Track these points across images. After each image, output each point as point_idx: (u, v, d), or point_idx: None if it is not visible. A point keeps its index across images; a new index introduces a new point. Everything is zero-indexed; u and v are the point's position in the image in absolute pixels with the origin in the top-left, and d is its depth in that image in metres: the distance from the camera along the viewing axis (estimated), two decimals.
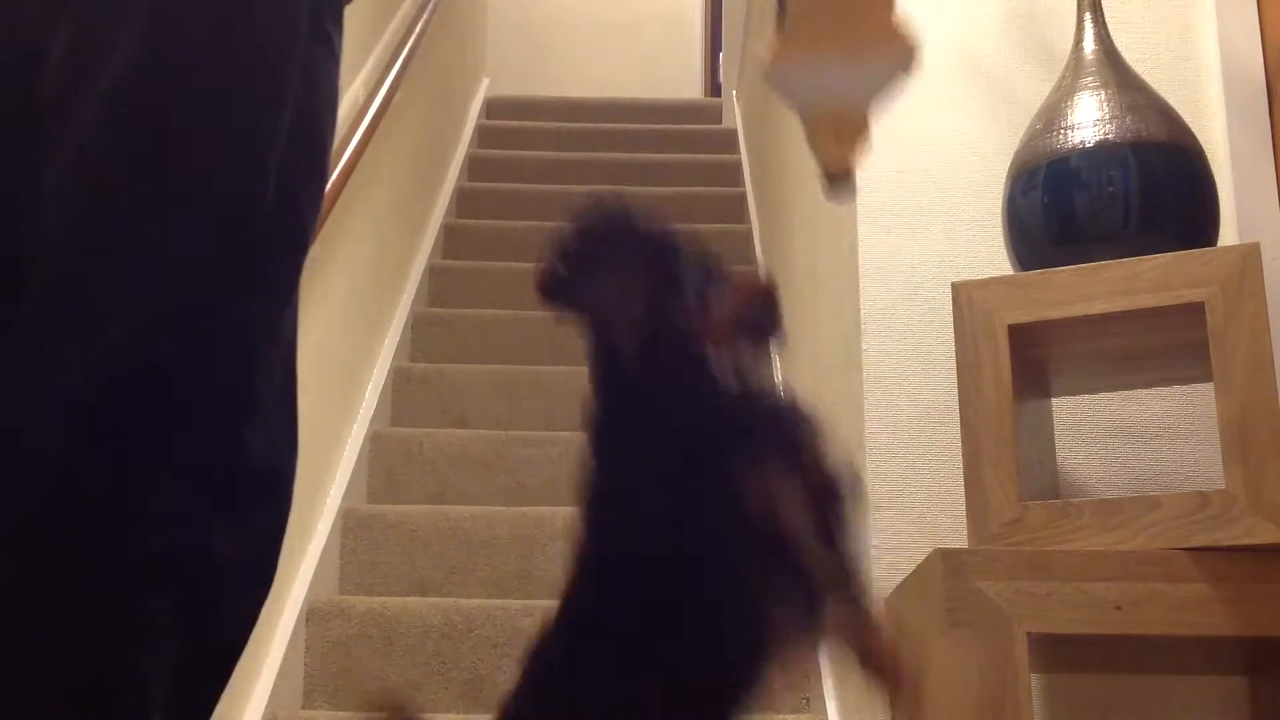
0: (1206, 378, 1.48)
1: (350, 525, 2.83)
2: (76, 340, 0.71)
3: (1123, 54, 1.66)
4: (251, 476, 0.78)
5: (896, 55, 0.99)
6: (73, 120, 0.73)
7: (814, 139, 1.01)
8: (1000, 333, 1.53)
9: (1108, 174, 1.55)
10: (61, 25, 0.75)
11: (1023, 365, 1.58)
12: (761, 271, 3.19)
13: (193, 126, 0.75)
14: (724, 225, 4.42)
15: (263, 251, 0.78)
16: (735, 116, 5.30)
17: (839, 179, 0.99)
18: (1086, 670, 1.71)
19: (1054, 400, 1.79)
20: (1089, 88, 1.61)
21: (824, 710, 2.22)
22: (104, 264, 0.72)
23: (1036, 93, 1.86)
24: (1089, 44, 1.65)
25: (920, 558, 1.62)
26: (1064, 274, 1.53)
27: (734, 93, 5.52)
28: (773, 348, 0.95)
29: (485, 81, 5.63)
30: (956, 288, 1.57)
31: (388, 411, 3.34)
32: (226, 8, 0.78)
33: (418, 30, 3.59)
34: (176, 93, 0.75)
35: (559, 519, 2.85)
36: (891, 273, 1.90)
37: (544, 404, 3.41)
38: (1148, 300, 1.48)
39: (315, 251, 2.61)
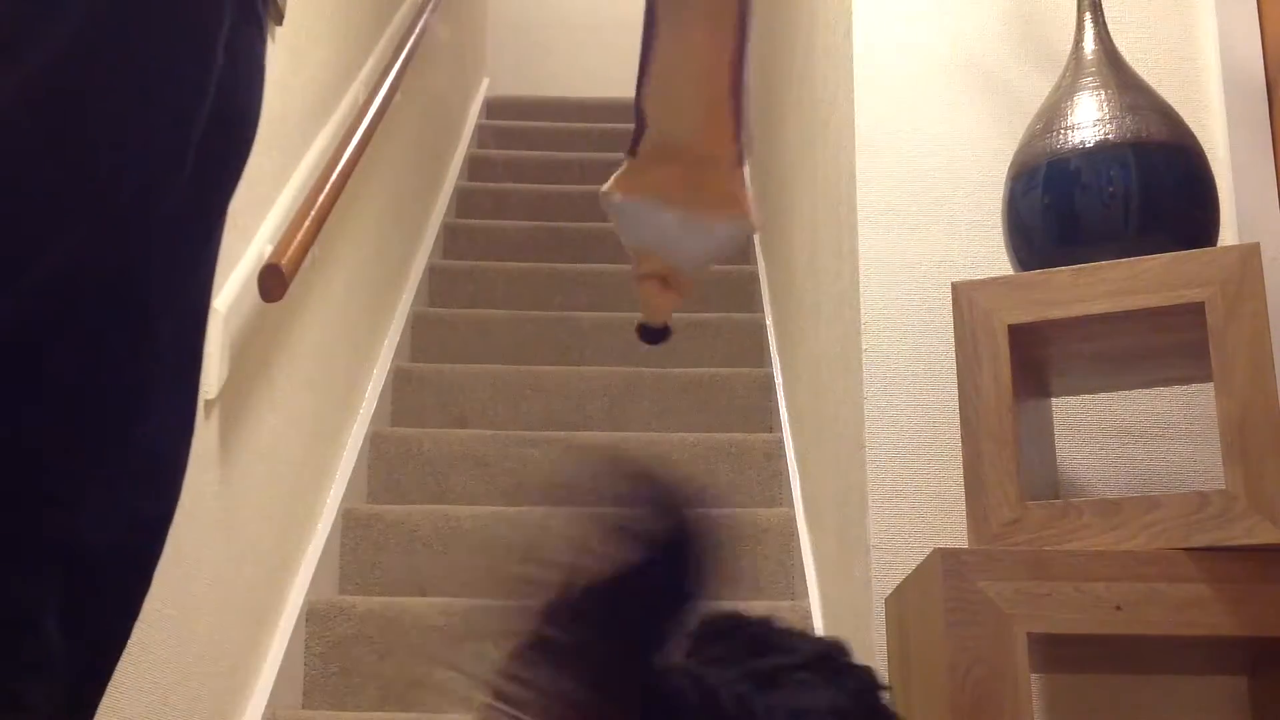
0: (1206, 378, 1.48)
1: (350, 525, 2.83)
2: None
3: (1123, 54, 1.66)
4: (134, 461, 0.76)
5: (736, 223, 0.95)
6: None
7: (640, 282, 0.99)
8: (1000, 333, 1.53)
9: (1108, 174, 1.55)
10: None
11: (1023, 365, 1.58)
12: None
13: (110, 108, 0.74)
14: None
15: (171, 229, 0.77)
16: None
17: (655, 332, 0.99)
18: (1086, 670, 1.71)
19: (1054, 400, 1.79)
20: (1089, 88, 1.61)
21: None
22: None
23: (1036, 93, 1.86)
24: (1089, 44, 1.65)
25: (920, 558, 1.62)
26: (1064, 274, 1.53)
27: None
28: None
29: (485, 81, 5.63)
30: (956, 288, 1.57)
31: (388, 411, 3.34)
32: None
33: (418, 30, 3.60)
34: (99, 71, 0.74)
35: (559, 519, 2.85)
36: (891, 273, 1.90)
37: (544, 404, 3.41)
38: (1148, 300, 1.48)
39: (315, 251, 2.62)
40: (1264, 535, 1.37)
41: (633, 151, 0.95)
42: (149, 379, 0.78)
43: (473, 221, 4.44)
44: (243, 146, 0.85)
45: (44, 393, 0.71)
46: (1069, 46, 1.69)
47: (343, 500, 2.83)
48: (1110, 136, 1.56)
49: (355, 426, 3.05)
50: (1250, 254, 1.45)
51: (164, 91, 0.77)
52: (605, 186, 0.95)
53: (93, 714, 0.77)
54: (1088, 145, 1.56)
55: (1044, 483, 1.67)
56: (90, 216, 0.73)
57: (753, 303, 3.89)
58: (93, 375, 0.73)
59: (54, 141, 0.72)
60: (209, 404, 1.99)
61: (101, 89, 0.74)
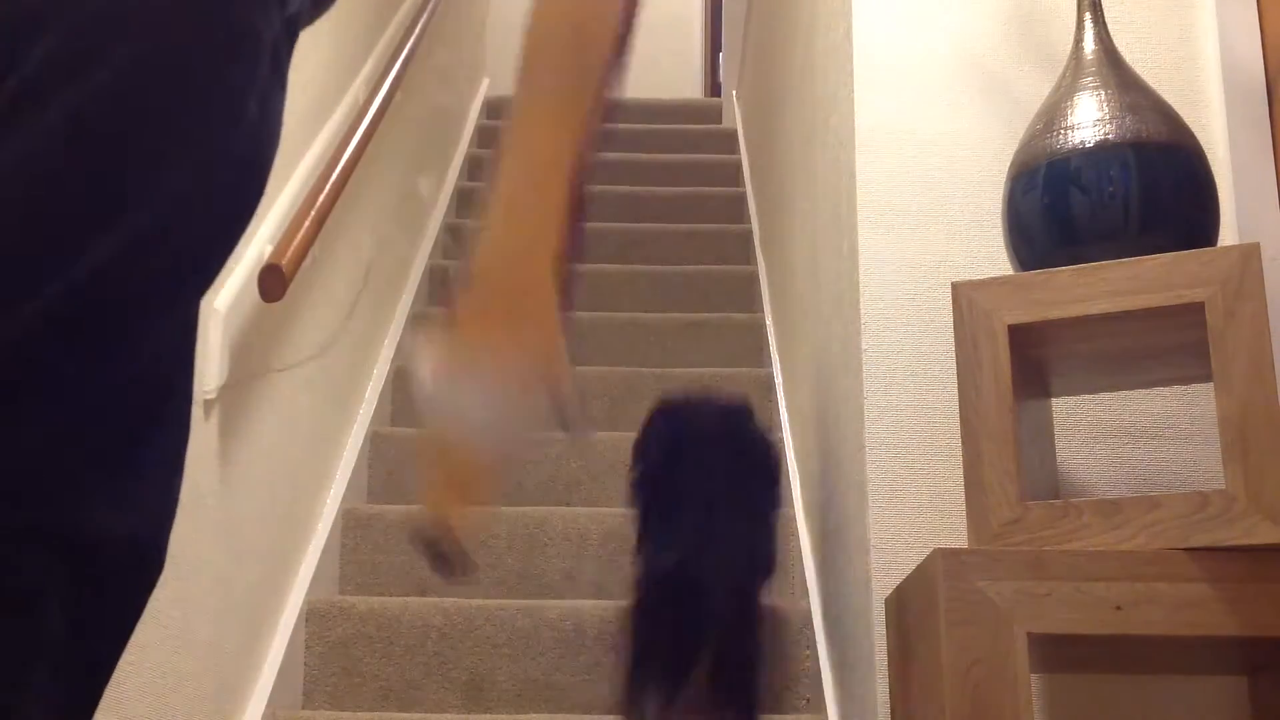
0: (1206, 378, 1.48)
1: (350, 525, 2.83)
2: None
3: (1123, 54, 1.66)
4: (136, 460, 0.79)
5: (545, 380, 0.85)
6: (27, 120, 0.74)
7: (429, 475, 0.86)
8: (1000, 333, 1.53)
9: (1108, 174, 1.55)
10: (35, 26, 0.76)
11: (1023, 365, 1.58)
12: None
13: (147, 147, 0.77)
14: (724, 225, 4.43)
15: (184, 257, 0.81)
16: (735, 116, 5.30)
17: (447, 551, 0.82)
18: (1086, 670, 1.71)
19: (1054, 400, 1.79)
20: (1089, 88, 1.61)
21: (824, 710, 2.22)
22: (13, 261, 0.73)
23: (1036, 93, 1.86)
24: (1089, 44, 1.65)
25: (920, 558, 1.62)
26: (1064, 274, 1.53)
27: (734, 93, 5.51)
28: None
29: (485, 81, 5.63)
30: (956, 288, 1.57)
31: (388, 411, 3.34)
32: (201, 50, 0.79)
33: (418, 30, 3.59)
34: (138, 119, 0.77)
35: (559, 519, 2.85)
36: (891, 273, 1.90)
37: (544, 404, 3.41)
38: (1148, 300, 1.48)
39: (315, 251, 2.61)
40: (1264, 535, 1.37)
41: (449, 318, 0.83)
42: (151, 383, 0.81)
43: (473, 221, 4.43)
44: (257, 195, 0.87)
45: (50, 396, 0.74)
46: (1069, 46, 1.69)
47: (343, 500, 2.83)
48: (1110, 136, 1.56)
49: (355, 426, 3.05)
50: (1250, 254, 1.45)
51: (197, 136, 0.80)
52: (421, 360, 0.83)
53: (94, 710, 0.78)
54: (1088, 145, 1.56)
55: (1044, 483, 1.67)
56: (111, 244, 0.76)
57: (753, 303, 3.89)
58: (97, 381, 0.76)
59: (87, 175, 0.75)
60: (209, 404, 1.99)
61: (135, 127, 0.77)
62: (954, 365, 1.58)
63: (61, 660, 0.74)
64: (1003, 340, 1.53)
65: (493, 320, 0.85)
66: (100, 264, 0.75)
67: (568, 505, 3.04)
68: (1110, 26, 1.68)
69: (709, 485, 1.95)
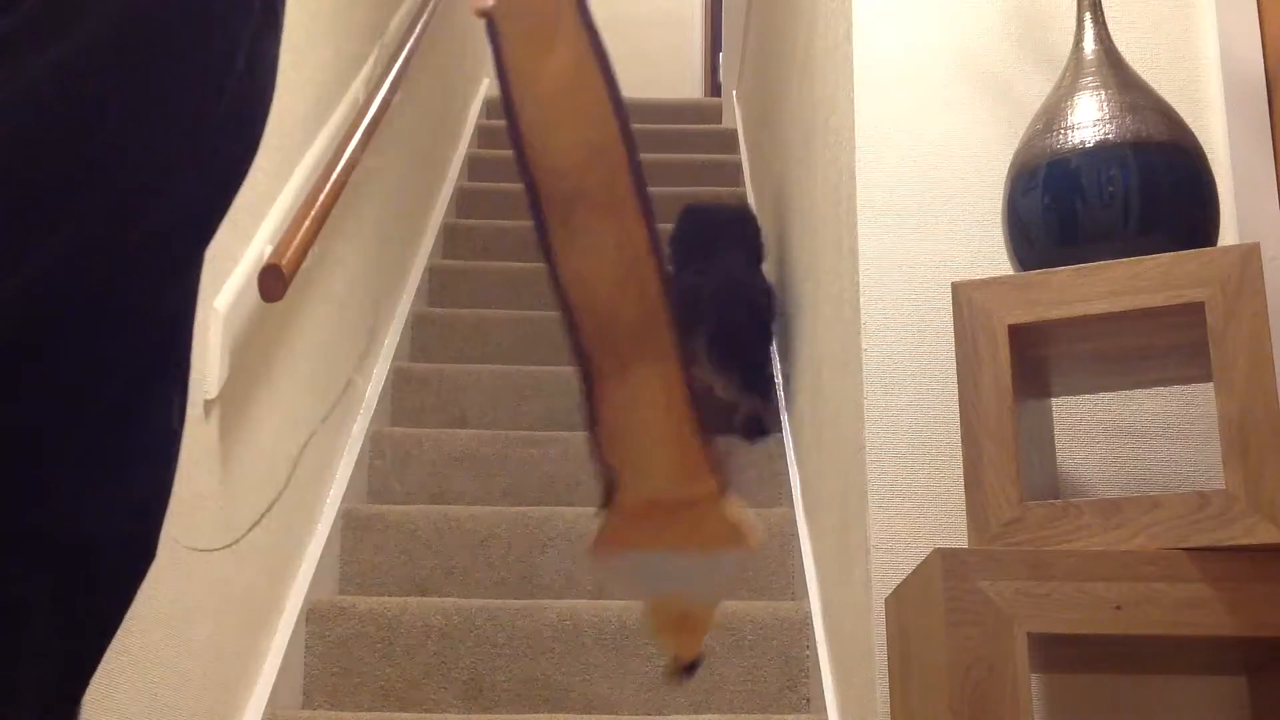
0: (1206, 378, 1.48)
1: (350, 525, 2.83)
2: None
3: (1123, 54, 1.66)
4: (127, 452, 0.77)
5: (741, 549, 0.90)
6: (16, 68, 0.72)
7: (657, 629, 0.94)
8: (1000, 333, 1.53)
9: (1108, 174, 1.55)
10: None
11: (1023, 365, 1.58)
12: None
13: (132, 104, 0.75)
14: None
15: (174, 227, 0.78)
16: (735, 116, 5.30)
17: (686, 668, 0.94)
18: (1086, 670, 1.71)
19: (1054, 400, 1.79)
20: (1089, 88, 1.61)
21: (824, 710, 2.22)
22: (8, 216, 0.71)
23: (1036, 93, 1.86)
24: (1089, 44, 1.65)
25: (920, 558, 1.62)
26: (1064, 274, 1.53)
27: (734, 93, 5.51)
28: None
29: (485, 81, 5.63)
30: (956, 288, 1.57)
31: (388, 411, 3.34)
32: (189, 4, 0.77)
33: (418, 30, 3.59)
34: (127, 69, 0.75)
35: (559, 519, 2.85)
36: (891, 273, 1.90)
37: (544, 404, 3.41)
38: (1148, 300, 1.48)
39: (315, 251, 2.61)
40: (1264, 535, 1.37)
41: (608, 504, 0.88)
42: (142, 369, 0.78)
43: (473, 221, 4.44)
44: (250, 151, 0.85)
45: (40, 383, 0.71)
46: (1069, 46, 1.69)
47: (343, 500, 2.83)
48: (1110, 136, 1.56)
49: (355, 426, 3.05)
50: (1250, 254, 1.45)
51: (182, 93, 0.77)
52: (591, 544, 0.89)
53: (78, 702, 0.78)
54: (1088, 145, 1.56)
55: (1044, 483, 1.67)
56: (96, 208, 0.73)
57: None
58: (89, 365, 0.74)
59: (70, 127, 0.73)
60: (209, 404, 1.99)
61: (121, 82, 0.74)
62: (954, 365, 1.58)
63: (48, 661, 0.73)
64: (1003, 340, 1.53)
65: (662, 525, 0.89)
66: (85, 233, 0.72)
67: (568, 505, 3.04)
68: (1110, 26, 1.68)
69: (721, 244, 3.27)
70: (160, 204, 0.76)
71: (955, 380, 1.57)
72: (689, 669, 0.94)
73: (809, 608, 2.48)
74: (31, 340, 0.71)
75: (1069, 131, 1.59)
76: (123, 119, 0.74)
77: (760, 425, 3.24)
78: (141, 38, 0.75)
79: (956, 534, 1.77)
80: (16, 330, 0.70)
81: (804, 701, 2.49)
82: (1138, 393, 1.82)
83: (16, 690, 0.71)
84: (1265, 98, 1.87)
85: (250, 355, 2.19)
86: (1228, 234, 1.79)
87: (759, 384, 3.19)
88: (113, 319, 0.75)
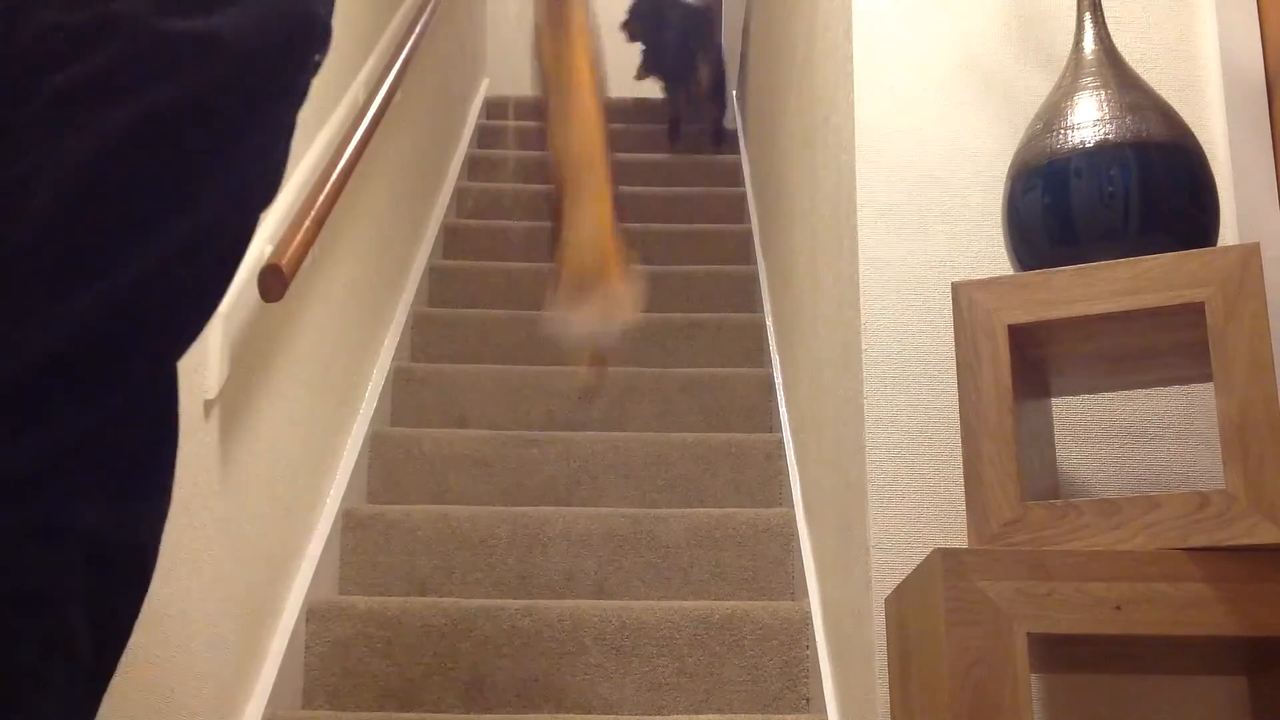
0: (1206, 378, 1.48)
1: (350, 525, 2.83)
2: (32, 314, 0.76)
3: (1123, 54, 1.66)
4: (140, 466, 0.83)
5: (627, 314, 1.43)
6: (95, 118, 0.78)
7: (574, 360, 1.46)
8: (1000, 333, 1.53)
9: (1108, 174, 1.55)
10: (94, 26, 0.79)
11: (1023, 365, 1.58)
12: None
13: (201, 160, 0.83)
14: (724, 225, 4.43)
15: (210, 273, 0.86)
16: (735, 116, 5.29)
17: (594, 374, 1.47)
18: (1086, 670, 1.71)
19: (1054, 400, 1.79)
20: (1089, 88, 1.61)
21: (824, 710, 2.22)
22: (79, 251, 0.77)
23: (1036, 93, 1.86)
24: (1089, 44, 1.65)
25: (920, 558, 1.62)
26: (1064, 274, 1.53)
27: (734, 93, 5.51)
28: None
29: (485, 81, 5.62)
30: (956, 288, 1.57)
31: (388, 411, 3.34)
32: (265, 69, 0.87)
33: (418, 30, 3.59)
34: (204, 138, 0.82)
35: (559, 519, 2.85)
36: (891, 273, 1.90)
37: (544, 404, 3.41)
38: (1148, 300, 1.48)
39: (315, 251, 2.61)
40: (1264, 535, 1.37)
41: (555, 290, 1.43)
42: (168, 385, 0.87)
43: (473, 221, 4.44)
44: (277, 188, 0.94)
45: (79, 399, 0.77)
46: (1069, 46, 1.69)
47: (343, 500, 2.83)
48: (1110, 136, 1.56)
49: (355, 426, 3.05)
50: (1250, 254, 1.45)
51: (254, 148, 0.88)
52: (546, 312, 1.41)
53: (97, 709, 0.79)
54: (1088, 145, 1.57)
55: (1044, 483, 1.67)
56: (160, 244, 0.80)
57: (753, 303, 3.89)
58: (125, 385, 0.81)
59: (144, 174, 0.80)
60: (209, 404, 1.99)
61: (191, 144, 0.82)
62: (954, 365, 1.58)
63: (78, 658, 0.76)
64: (1003, 340, 1.53)
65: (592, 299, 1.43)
66: (147, 268, 0.79)
67: (568, 505, 3.04)
68: (1110, 26, 1.68)
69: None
70: (217, 242, 0.85)
71: (955, 380, 1.57)
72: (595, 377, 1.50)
73: (809, 608, 2.48)
74: (81, 363, 0.77)
75: (1069, 131, 1.59)
76: (190, 172, 0.82)
77: (718, 132, 4.82)
78: (210, 113, 0.82)
79: (956, 534, 1.77)
80: (69, 351, 0.76)
81: (804, 701, 2.49)
82: (1138, 393, 1.82)
83: (51, 693, 0.74)
84: (1265, 98, 1.87)
85: (250, 355, 2.19)
86: (1228, 234, 1.79)
87: (711, 94, 4.66)
88: (154, 349, 0.83)
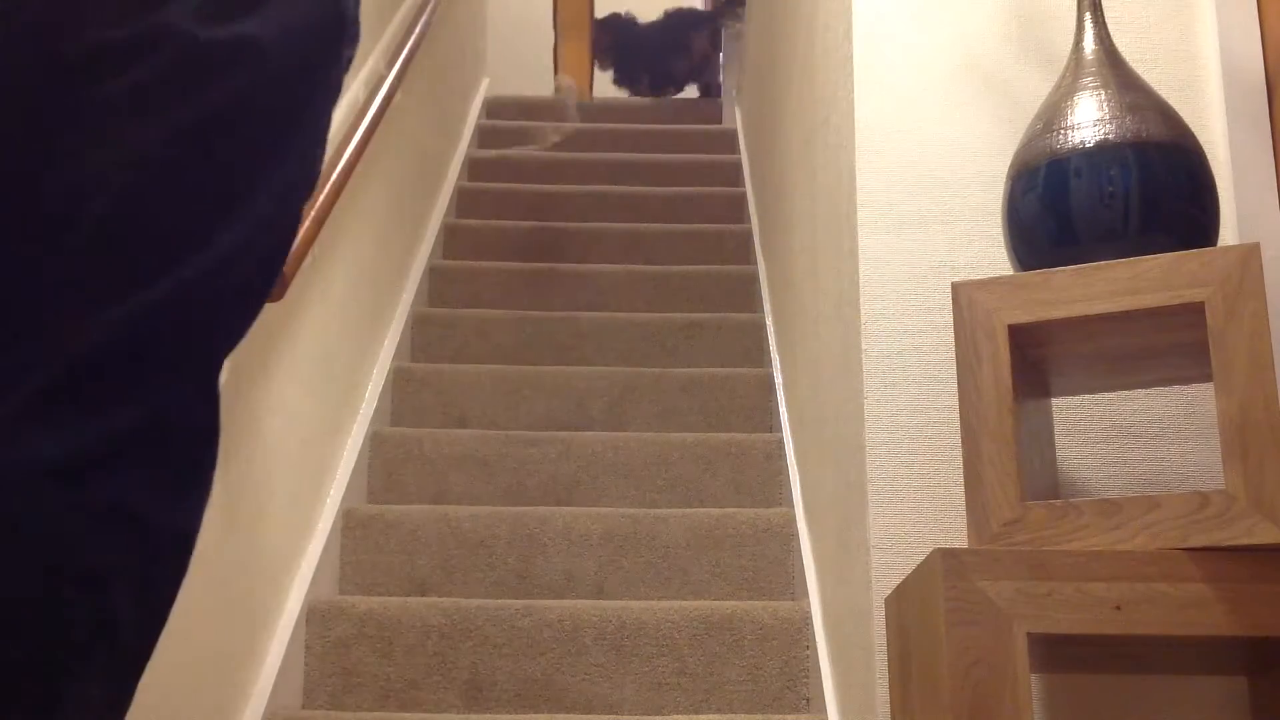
0: (1206, 378, 1.48)
1: (350, 525, 2.83)
2: (91, 311, 0.79)
3: (1123, 54, 1.66)
4: (188, 446, 0.86)
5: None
6: (144, 128, 0.81)
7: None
8: (1000, 333, 1.53)
9: (1108, 174, 1.55)
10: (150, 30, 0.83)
11: (1023, 365, 1.58)
12: None
13: (266, 152, 0.87)
14: (724, 225, 4.43)
15: (267, 270, 0.91)
16: (735, 116, 5.30)
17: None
18: (1086, 670, 1.71)
19: (1054, 400, 1.79)
20: (1089, 88, 1.61)
21: (824, 710, 2.22)
22: (134, 255, 0.81)
23: (1036, 93, 1.86)
24: (1089, 44, 1.65)
25: (920, 558, 1.62)
26: (1064, 274, 1.53)
27: (734, 93, 5.51)
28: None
29: (485, 81, 5.63)
30: (956, 288, 1.57)
31: (388, 411, 3.34)
32: (303, 70, 0.90)
33: (418, 30, 3.59)
34: (248, 142, 0.86)
35: (559, 519, 2.85)
36: (891, 273, 1.90)
37: (544, 404, 3.41)
38: (1148, 300, 1.48)
39: (315, 251, 2.62)
40: (1264, 535, 1.38)
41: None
42: (204, 388, 0.90)
43: (473, 221, 4.44)
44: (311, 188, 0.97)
45: (143, 386, 0.81)
46: (1069, 46, 1.69)
47: (343, 500, 2.83)
48: (1110, 136, 1.56)
49: (355, 426, 3.05)
50: (1250, 254, 1.45)
51: (298, 178, 0.91)
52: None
53: (131, 699, 0.82)
54: (1088, 145, 1.57)
55: (1044, 483, 1.67)
56: (203, 259, 0.83)
57: (753, 303, 3.89)
58: (189, 373, 0.86)
59: (202, 183, 0.83)
60: None
61: (230, 156, 0.85)
62: (954, 365, 1.58)
63: (121, 639, 0.79)
64: (1003, 340, 1.53)
65: None
66: (203, 269, 0.82)
67: (568, 505, 3.04)
68: (1110, 26, 1.68)
69: None
70: (273, 236, 0.89)
71: (955, 380, 1.57)
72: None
73: (809, 608, 2.48)
74: (149, 350, 0.81)
75: (1069, 131, 1.59)
76: (236, 178, 0.85)
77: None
78: (253, 118, 0.86)
79: (956, 534, 1.77)
80: (138, 338, 0.80)
81: (804, 701, 2.49)
82: (1138, 393, 1.82)
83: (92, 674, 0.76)
84: (1265, 98, 1.87)
85: (250, 355, 2.19)
86: (1228, 234, 1.79)
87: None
88: (220, 338, 0.88)
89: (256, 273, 0.88)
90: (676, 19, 6.03)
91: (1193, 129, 1.61)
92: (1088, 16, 1.67)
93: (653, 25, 5.98)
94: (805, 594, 2.54)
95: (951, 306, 1.59)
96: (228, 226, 0.84)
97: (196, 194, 0.83)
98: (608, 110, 5.66)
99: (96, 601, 0.77)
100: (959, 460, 1.70)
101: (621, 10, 5.97)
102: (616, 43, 5.84)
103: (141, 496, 0.80)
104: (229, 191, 0.84)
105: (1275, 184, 1.83)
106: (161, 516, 0.81)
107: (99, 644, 0.77)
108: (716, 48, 5.78)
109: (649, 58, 5.85)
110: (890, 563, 1.78)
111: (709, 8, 6.18)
